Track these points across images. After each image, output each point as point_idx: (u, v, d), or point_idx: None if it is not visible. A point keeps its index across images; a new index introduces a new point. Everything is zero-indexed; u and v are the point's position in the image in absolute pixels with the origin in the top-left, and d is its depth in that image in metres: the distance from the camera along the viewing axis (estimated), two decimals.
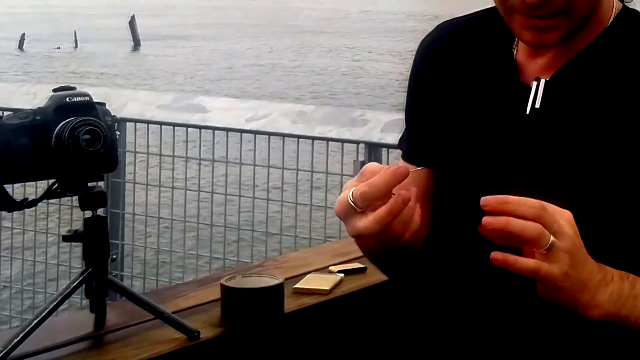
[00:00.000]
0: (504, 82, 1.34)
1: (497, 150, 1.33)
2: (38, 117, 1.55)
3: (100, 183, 1.63)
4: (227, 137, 3.75)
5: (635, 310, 1.21)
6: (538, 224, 1.12)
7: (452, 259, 1.38)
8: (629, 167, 1.24)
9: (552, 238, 1.13)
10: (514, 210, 1.12)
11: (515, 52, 1.35)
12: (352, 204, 1.17)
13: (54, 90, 1.62)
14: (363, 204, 1.17)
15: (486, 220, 1.12)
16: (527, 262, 1.13)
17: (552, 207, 1.14)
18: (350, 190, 1.18)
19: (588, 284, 1.17)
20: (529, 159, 1.30)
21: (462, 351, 1.36)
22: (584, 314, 1.19)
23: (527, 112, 1.30)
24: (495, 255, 1.13)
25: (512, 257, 1.13)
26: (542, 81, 1.31)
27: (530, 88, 1.31)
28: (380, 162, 3.58)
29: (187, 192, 3.75)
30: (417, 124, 1.46)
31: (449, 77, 1.40)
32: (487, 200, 1.12)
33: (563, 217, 1.15)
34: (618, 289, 1.20)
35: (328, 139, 3.65)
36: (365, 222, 1.17)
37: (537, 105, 1.30)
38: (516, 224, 1.12)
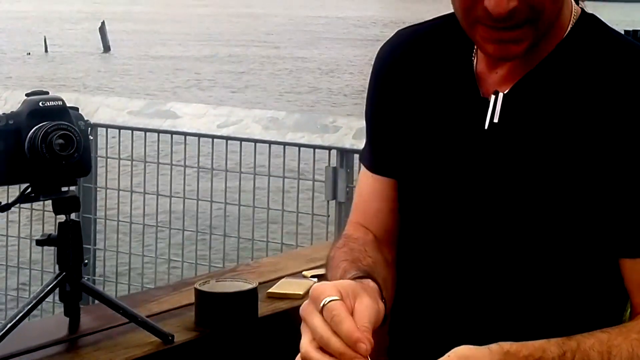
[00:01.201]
0: (463, 94, 1.33)
1: (457, 163, 1.32)
2: (11, 122, 1.55)
3: (73, 188, 1.63)
4: (199, 143, 3.74)
5: None
6: None
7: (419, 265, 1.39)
8: (587, 179, 1.24)
9: None
10: None
11: (475, 61, 1.33)
12: None
13: (27, 95, 1.62)
14: None
15: None
16: None
17: None
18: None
19: None
20: (488, 174, 1.30)
21: (432, 343, 1.36)
22: None
23: (486, 127, 1.30)
24: None
25: None
26: (501, 95, 1.29)
27: (489, 101, 1.30)
28: (351, 168, 3.60)
29: (159, 197, 3.74)
30: (379, 133, 1.43)
31: (409, 85, 1.38)
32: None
33: None
34: None
35: (300, 145, 3.65)
36: None
37: (496, 120, 1.29)
38: None
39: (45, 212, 3.66)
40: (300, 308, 1.15)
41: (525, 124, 1.28)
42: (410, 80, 1.38)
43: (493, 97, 1.29)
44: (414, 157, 1.37)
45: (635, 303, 1.27)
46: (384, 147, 1.42)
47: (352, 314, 1.12)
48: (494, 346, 1.16)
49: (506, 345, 1.17)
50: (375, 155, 1.44)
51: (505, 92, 1.29)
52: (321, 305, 1.11)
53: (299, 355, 1.13)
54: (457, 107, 1.33)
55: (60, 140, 1.52)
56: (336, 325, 1.09)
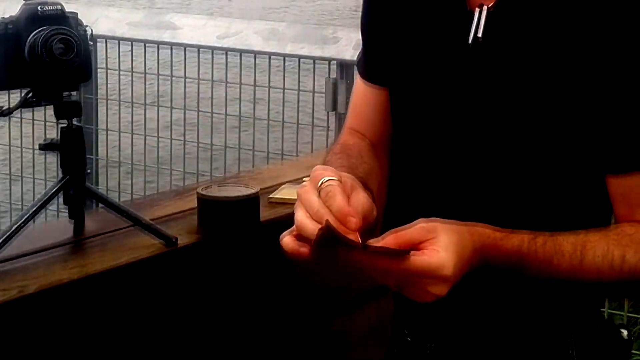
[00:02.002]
0: (451, 6, 1.33)
1: (442, 75, 1.33)
2: (10, 27, 1.55)
3: (74, 94, 1.64)
4: (199, 54, 3.73)
5: (517, 273, 1.22)
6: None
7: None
8: (571, 94, 1.24)
9: (397, 285, 1.13)
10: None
11: None
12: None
13: (25, 1, 1.62)
14: None
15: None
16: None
17: (415, 271, 1.11)
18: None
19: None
20: (471, 88, 1.30)
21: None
22: None
23: (470, 41, 1.29)
24: None
25: None
26: (485, 9, 1.29)
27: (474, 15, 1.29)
28: (351, 80, 3.59)
29: (160, 108, 3.75)
30: (372, 42, 1.45)
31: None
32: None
33: (435, 271, 1.11)
34: (500, 265, 1.20)
35: (300, 57, 3.64)
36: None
37: (480, 35, 1.29)
38: None
39: (47, 126, 3.67)
40: (299, 187, 1.18)
41: (509, 39, 1.28)
42: None
43: (478, 10, 1.29)
44: (404, 67, 1.39)
45: (618, 215, 1.29)
46: (377, 56, 1.43)
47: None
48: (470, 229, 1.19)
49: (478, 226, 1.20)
50: (369, 65, 1.46)
51: (489, 6, 1.29)
52: (319, 184, 1.14)
53: (291, 230, 1.15)
54: (445, 19, 1.33)
55: (61, 45, 1.52)
56: (329, 200, 1.12)
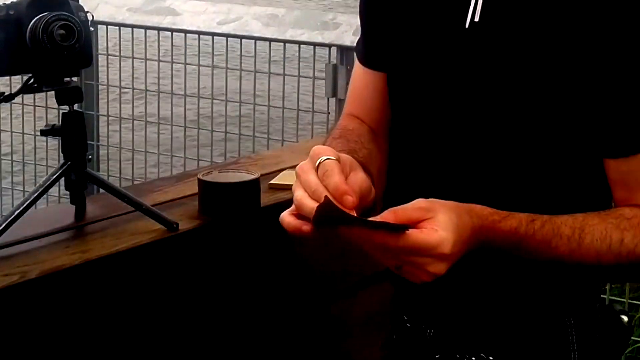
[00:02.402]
0: None
1: (440, 60, 1.34)
2: (11, 12, 1.55)
3: (75, 79, 1.64)
4: (199, 40, 3.73)
5: (515, 257, 1.23)
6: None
7: None
8: (567, 78, 1.24)
9: (396, 266, 1.14)
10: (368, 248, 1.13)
11: None
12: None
13: None
14: None
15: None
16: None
17: (414, 247, 1.11)
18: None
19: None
20: (469, 72, 1.31)
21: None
22: None
23: (467, 25, 1.30)
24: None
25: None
26: None
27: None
28: (351, 65, 3.58)
29: (160, 94, 3.74)
30: (370, 27, 1.45)
31: None
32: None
33: (433, 248, 1.12)
34: (498, 246, 1.21)
35: (300, 42, 3.64)
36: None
37: (477, 19, 1.29)
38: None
39: (49, 112, 3.67)
40: (297, 166, 1.18)
41: (506, 22, 1.28)
42: None
43: None
44: (402, 52, 1.39)
45: (617, 198, 1.29)
46: (375, 41, 1.44)
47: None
48: (469, 209, 1.20)
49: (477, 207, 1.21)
50: (368, 49, 1.46)
51: None
52: (317, 163, 1.15)
53: (291, 209, 1.16)
54: (443, 3, 1.33)
55: (62, 31, 1.52)
56: (326, 179, 1.13)
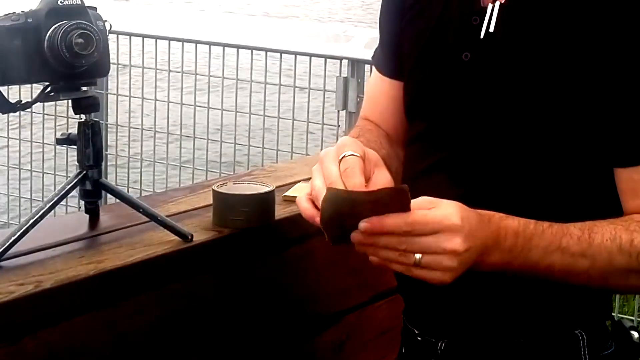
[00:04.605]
0: (464, 3, 1.34)
1: (455, 71, 1.35)
2: (30, 20, 1.55)
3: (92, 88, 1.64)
4: (210, 51, 3.73)
5: (526, 263, 1.22)
6: (396, 252, 1.14)
7: None
8: (579, 90, 1.25)
9: (416, 258, 1.14)
10: (383, 244, 1.14)
11: None
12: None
13: None
14: None
15: (357, 248, 1.16)
16: (394, 266, 1.16)
17: (421, 226, 1.13)
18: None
19: (481, 255, 1.18)
20: (483, 82, 1.32)
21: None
22: (474, 269, 1.21)
23: (482, 36, 1.31)
24: (372, 259, 1.17)
25: (387, 262, 1.16)
26: (497, 4, 1.30)
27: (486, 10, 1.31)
28: (362, 78, 3.59)
29: (170, 105, 3.75)
30: (388, 35, 1.48)
31: None
32: (363, 228, 1.14)
33: (440, 228, 1.14)
34: (510, 245, 1.20)
35: (311, 55, 3.64)
36: None
37: (492, 29, 1.30)
38: (380, 257, 1.16)
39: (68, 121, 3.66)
40: (322, 152, 1.19)
41: (520, 33, 1.29)
42: None
43: (490, 6, 1.30)
44: (417, 62, 1.41)
45: (627, 208, 1.29)
46: (392, 49, 1.47)
47: (368, 180, 1.17)
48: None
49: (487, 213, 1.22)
50: (385, 57, 1.50)
51: (502, 1, 1.30)
52: (341, 156, 1.16)
53: (309, 192, 1.18)
54: (459, 13, 1.35)
55: (80, 40, 1.51)
56: (346, 178, 1.14)
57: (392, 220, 1.11)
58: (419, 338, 1.44)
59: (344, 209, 1.12)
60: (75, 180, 1.51)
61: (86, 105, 1.56)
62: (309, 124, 3.59)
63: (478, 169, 1.34)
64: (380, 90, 1.53)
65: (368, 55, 3.65)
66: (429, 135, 1.40)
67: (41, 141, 3.89)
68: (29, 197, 3.94)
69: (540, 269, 1.23)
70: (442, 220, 1.13)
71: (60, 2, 1.55)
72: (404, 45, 1.44)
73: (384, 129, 1.52)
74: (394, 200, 1.11)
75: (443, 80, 1.36)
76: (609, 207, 1.31)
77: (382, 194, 1.12)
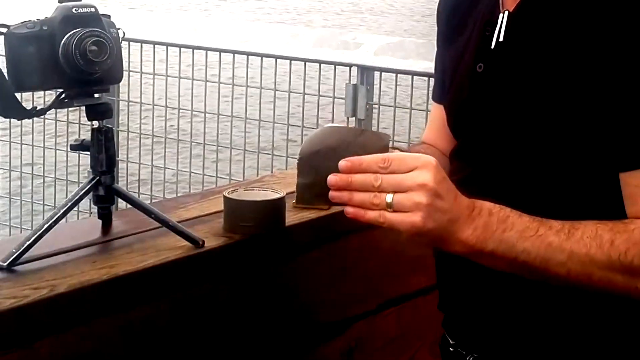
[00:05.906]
0: (487, 12, 1.37)
1: (470, 84, 1.39)
2: (45, 27, 1.56)
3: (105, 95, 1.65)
4: (220, 58, 3.75)
5: (501, 245, 1.21)
6: (367, 194, 1.19)
7: None
8: (588, 96, 1.25)
9: (388, 198, 1.17)
10: (359, 182, 1.19)
11: None
12: None
13: (60, 1, 1.63)
14: None
15: (332, 194, 1.22)
16: (368, 214, 1.19)
17: (397, 161, 1.18)
18: None
19: (453, 224, 1.19)
20: (493, 90, 1.34)
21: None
22: (447, 249, 1.22)
23: (492, 46, 1.33)
24: (347, 210, 1.21)
25: (361, 211, 1.20)
26: (506, 13, 1.32)
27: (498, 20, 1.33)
28: (372, 85, 3.60)
29: (180, 111, 3.76)
30: (436, 60, 1.57)
31: (454, 15, 1.49)
32: (342, 168, 1.21)
33: (416, 164, 1.18)
34: (484, 223, 1.21)
35: (321, 62, 3.66)
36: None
37: (501, 39, 1.32)
38: (355, 203, 1.20)
39: (71, 123, 3.68)
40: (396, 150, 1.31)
41: (529, 42, 1.30)
42: (456, 9, 1.48)
43: (501, 15, 1.32)
44: (448, 83, 1.48)
45: (630, 214, 1.28)
46: (438, 75, 1.55)
47: None
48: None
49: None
50: (435, 84, 1.59)
51: (511, 11, 1.32)
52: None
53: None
54: (480, 27, 1.38)
55: (94, 47, 1.53)
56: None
57: (370, 157, 1.18)
58: (451, 349, 1.46)
59: (331, 141, 1.24)
60: (89, 186, 1.53)
61: (99, 112, 1.58)
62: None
63: (497, 185, 1.35)
64: (434, 115, 1.61)
65: (377, 62, 3.67)
66: (459, 152, 1.46)
67: (53, 147, 3.91)
68: (42, 202, 3.96)
69: (517, 253, 1.21)
70: (419, 158, 1.19)
71: (75, 10, 1.57)
72: (446, 69, 1.50)
73: (440, 149, 1.60)
74: (374, 144, 1.24)
75: (464, 95, 1.40)
76: (614, 213, 1.31)
77: (367, 134, 1.25)
